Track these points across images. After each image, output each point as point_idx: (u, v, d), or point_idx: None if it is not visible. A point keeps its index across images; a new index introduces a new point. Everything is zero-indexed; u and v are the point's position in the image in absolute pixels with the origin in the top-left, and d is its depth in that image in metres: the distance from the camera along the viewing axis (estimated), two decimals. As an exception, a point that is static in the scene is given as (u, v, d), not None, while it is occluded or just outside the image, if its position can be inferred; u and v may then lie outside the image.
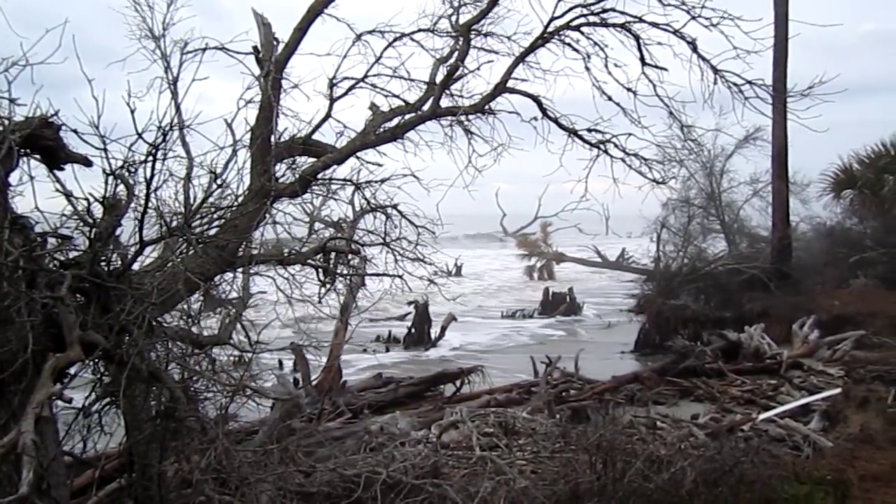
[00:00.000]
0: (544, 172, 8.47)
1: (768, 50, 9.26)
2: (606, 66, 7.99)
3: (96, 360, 4.46)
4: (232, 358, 5.79)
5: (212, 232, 5.58)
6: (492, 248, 57.13)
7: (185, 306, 5.51)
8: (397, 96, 8.02)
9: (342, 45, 7.80)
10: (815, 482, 6.10)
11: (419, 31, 8.04)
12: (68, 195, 4.53)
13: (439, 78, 7.91)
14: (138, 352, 4.28)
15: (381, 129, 7.59)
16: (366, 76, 7.90)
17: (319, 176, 7.19)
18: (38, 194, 4.38)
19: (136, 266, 4.89)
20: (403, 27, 7.98)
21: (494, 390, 12.51)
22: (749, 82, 8.16)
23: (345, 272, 7.09)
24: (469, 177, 7.97)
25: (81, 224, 4.49)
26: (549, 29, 7.70)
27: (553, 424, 9.09)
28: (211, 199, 5.45)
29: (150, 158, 4.46)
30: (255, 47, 7.41)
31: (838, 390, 10.75)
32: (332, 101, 7.67)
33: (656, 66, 8.02)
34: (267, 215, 6.53)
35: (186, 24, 7.75)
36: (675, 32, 7.80)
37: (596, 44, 7.88)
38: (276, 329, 6.53)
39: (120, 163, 4.49)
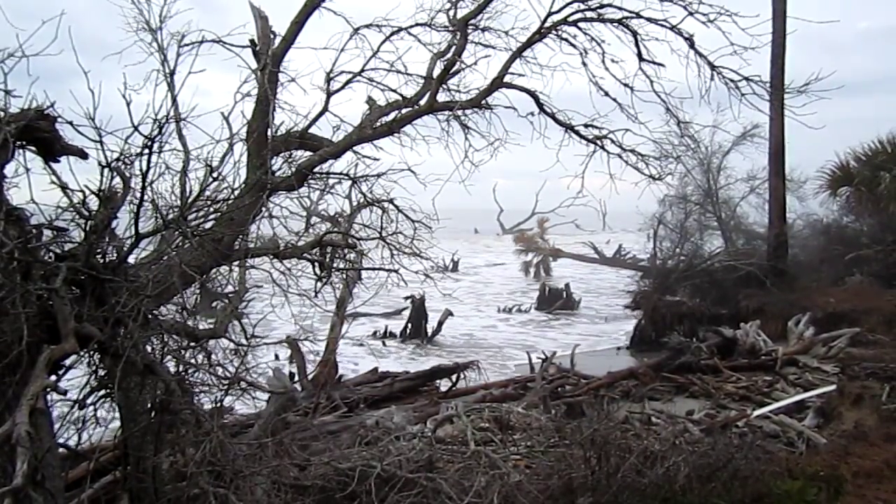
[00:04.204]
0: (541, 168, 8.46)
1: (766, 46, 9.25)
2: (603, 61, 8.01)
3: (91, 353, 4.46)
4: (228, 351, 5.79)
5: (208, 225, 5.58)
6: (487, 244, 57.17)
7: (182, 299, 5.51)
8: (394, 90, 8.03)
9: (339, 38, 7.81)
10: (809, 478, 6.11)
11: (416, 25, 8.04)
12: (64, 187, 4.53)
13: (436, 72, 7.90)
14: (133, 344, 4.28)
15: (378, 124, 7.59)
16: (363, 70, 7.90)
17: (316, 170, 7.19)
18: (33, 186, 4.38)
19: (131, 258, 4.89)
20: (401, 21, 8.00)
21: (490, 385, 12.55)
22: (746, 79, 8.17)
23: (341, 266, 7.09)
24: (465, 171, 7.98)
25: (77, 216, 4.49)
26: (547, 24, 7.71)
27: (548, 420, 9.11)
28: (207, 193, 5.44)
29: (146, 151, 4.46)
30: (252, 40, 7.41)
31: (833, 387, 10.78)
32: (329, 94, 7.67)
33: (653, 62, 8.04)
34: (263, 209, 6.53)
35: (183, 17, 7.74)
36: (673, 28, 7.81)
37: (593, 39, 7.90)
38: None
39: (116, 155, 4.49)
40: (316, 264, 6.76)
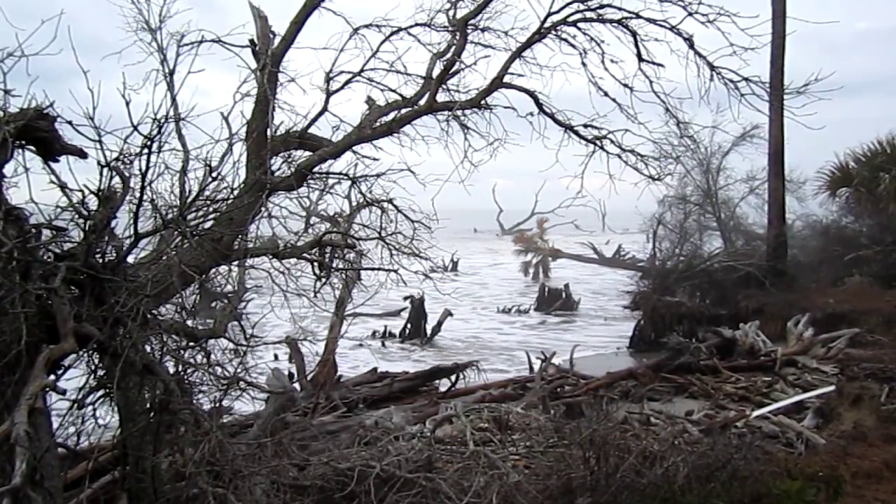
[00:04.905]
0: (541, 168, 8.46)
1: (765, 47, 9.25)
2: (603, 61, 8.01)
3: (90, 352, 4.46)
4: (227, 351, 5.79)
5: (207, 225, 5.58)
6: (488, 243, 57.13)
7: (181, 299, 5.51)
8: (394, 91, 8.04)
9: (339, 38, 7.82)
10: (808, 478, 6.10)
11: (416, 25, 8.05)
12: (63, 187, 4.53)
13: (436, 72, 7.91)
14: (132, 344, 4.27)
15: (378, 124, 7.59)
16: (362, 70, 7.91)
17: (315, 170, 7.19)
18: (32, 186, 4.39)
19: (130, 258, 4.89)
20: (400, 21, 8.01)
21: (489, 385, 12.55)
22: (746, 79, 8.18)
23: (340, 266, 7.09)
24: (465, 171, 7.99)
25: (76, 216, 4.49)
26: (546, 24, 7.71)
27: (547, 420, 9.10)
28: (206, 192, 5.44)
29: (146, 151, 4.46)
30: (251, 40, 7.41)
31: (832, 388, 10.78)
32: (329, 94, 7.67)
33: (653, 63, 8.04)
34: (262, 209, 6.53)
35: (183, 17, 7.74)
36: (672, 29, 7.81)
37: (592, 39, 7.90)
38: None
39: (115, 155, 4.49)
40: (315, 264, 6.76)
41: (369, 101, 7.98)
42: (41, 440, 3.77)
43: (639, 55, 8.00)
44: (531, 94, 7.93)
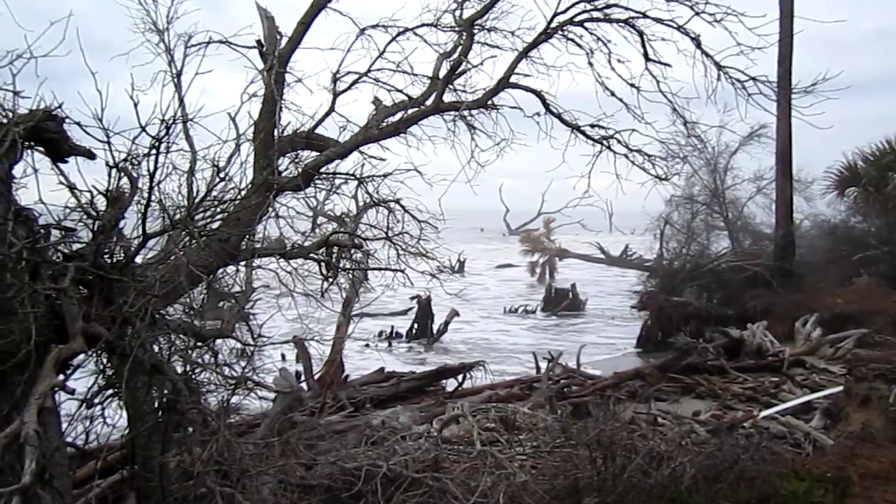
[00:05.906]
0: (547, 168, 8.45)
1: (772, 46, 9.22)
2: (609, 61, 7.98)
3: (99, 352, 4.48)
4: (235, 351, 5.82)
5: (215, 225, 5.60)
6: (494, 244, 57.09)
7: (189, 299, 5.53)
8: (400, 91, 8.03)
9: (345, 39, 7.81)
10: (815, 479, 6.09)
11: (422, 25, 8.03)
12: (72, 188, 4.56)
13: (442, 73, 7.90)
14: (141, 344, 4.30)
15: (384, 124, 7.59)
16: (369, 71, 7.90)
17: (322, 170, 7.20)
18: (41, 187, 4.40)
19: (139, 258, 4.91)
20: (407, 22, 7.99)
21: (496, 385, 12.55)
22: (753, 79, 8.14)
23: (347, 266, 7.10)
24: (471, 172, 7.98)
25: (85, 216, 4.51)
26: (553, 24, 7.69)
27: (554, 420, 9.10)
28: (214, 193, 5.46)
29: (154, 151, 4.48)
30: (258, 41, 7.42)
31: (840, 388, 10.75)
32: (336, 95, 7.67)
33: (660, 62, 8.01)
34: (270, 209, 6.54)
35: (190, 18, 7.78)
36: (679, 28, 7.79)
37: (599, 39, 7.87)
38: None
39: (123, 156, 4.52)
40: (322, 264, 6.77)
41: (376, 101, 7.98)
42: (50, 439, 3.79)
43: (645, 55, 7.98)
44: (538, 94, 7.92)
